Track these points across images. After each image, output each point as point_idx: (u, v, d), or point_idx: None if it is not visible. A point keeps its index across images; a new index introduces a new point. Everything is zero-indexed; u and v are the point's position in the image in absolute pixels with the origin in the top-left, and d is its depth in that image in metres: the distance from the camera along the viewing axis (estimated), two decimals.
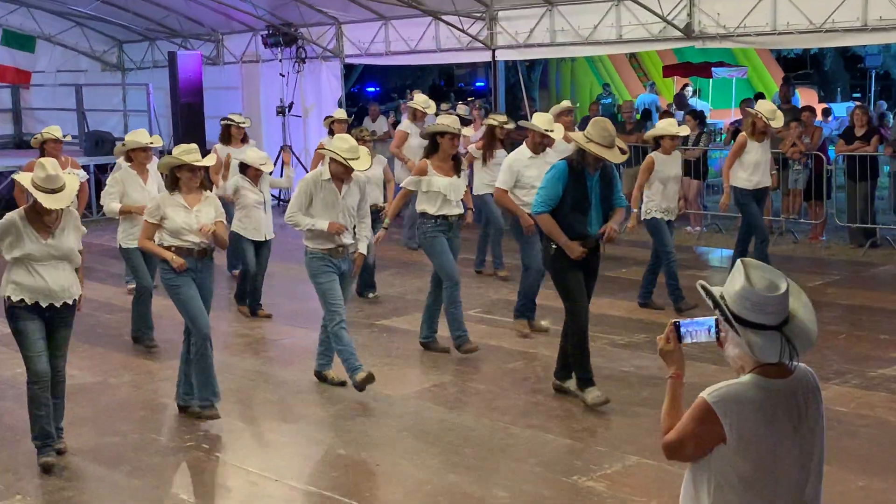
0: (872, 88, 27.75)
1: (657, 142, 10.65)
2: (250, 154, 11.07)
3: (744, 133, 11.35)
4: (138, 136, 10.15)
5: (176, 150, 7.70)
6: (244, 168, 10.80)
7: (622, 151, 7.85)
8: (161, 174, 8.30)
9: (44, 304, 6.77)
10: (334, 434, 7.63)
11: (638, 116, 18.96)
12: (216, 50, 21.07)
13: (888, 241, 14.09)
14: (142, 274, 9.73)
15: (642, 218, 10.63)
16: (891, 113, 20.41)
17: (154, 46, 22.18)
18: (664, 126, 10.93)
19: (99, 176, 18.29)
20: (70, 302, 6.90)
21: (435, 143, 9.25)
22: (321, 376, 8.56)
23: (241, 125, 12.88)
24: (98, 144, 19.43)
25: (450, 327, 9.29)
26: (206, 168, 8.22)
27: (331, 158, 8.10)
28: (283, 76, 19.34)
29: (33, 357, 6.79)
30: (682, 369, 3.43)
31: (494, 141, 11.89)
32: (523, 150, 9.77)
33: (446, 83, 26.76)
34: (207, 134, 18.46)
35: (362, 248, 8.40)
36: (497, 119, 12.11)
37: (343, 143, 8.13)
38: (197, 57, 19.43)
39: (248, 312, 11.04)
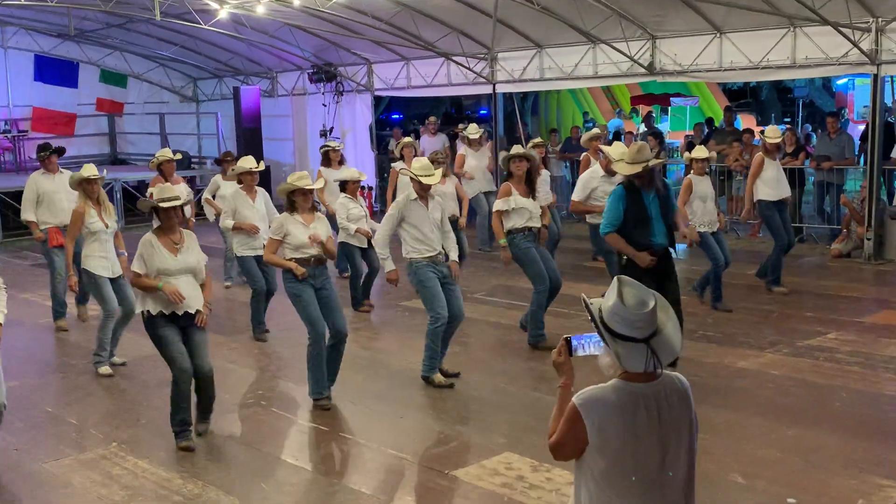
0: (800, 114, 27.72)
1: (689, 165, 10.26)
2: (345, 172, 10.66)
3: (760, 154, 10.92)
4: (246, 162, 9.89)
5: (291, 178, 7.42)
6: (343, 186, 10.29)
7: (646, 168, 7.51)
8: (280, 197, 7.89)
9: (179, 313, 6.56)
10: (367, 393, 7.66)
11: (611, 138, 18.86)
12: (271, 85, 21.11)
13: (812, 237, 14.06)
14: (256, 277, 9.49)
15: None
16: (814, 134, 20.32)
17: (222, 82, 22.24)
18: (694, 152, 10.42)
19: None
20: (200, 309, 6.62)
21: (509, 169, 8.74)
22: (428, 381, 7.76)
23: (336, 149, 12.36)
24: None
25: (531, 324, 8.88)
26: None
27: (411, 179, 7.79)
28: (325, 106, 19.40)
29: (176, 357, 6.50)
30: (571, 379, 3.22)
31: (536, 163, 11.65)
32: (597, 169, 9.60)
33: (456, 111, 26.68)
34: (265, 153, 18.51)
35: (453, 256, 7.93)
36: (535, 142, 12.07)
37: (417, 164, 7.90)
38: (256, 90, 19.48)
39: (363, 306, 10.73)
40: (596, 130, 12.77)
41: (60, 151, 10.63)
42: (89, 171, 8.43)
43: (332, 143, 12.67)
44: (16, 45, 20.91)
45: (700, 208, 9.95)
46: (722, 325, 9.33)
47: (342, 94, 19.39)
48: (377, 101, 20.13)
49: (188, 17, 16.63)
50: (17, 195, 16.62)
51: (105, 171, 9.34)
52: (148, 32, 19.52)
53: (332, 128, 19.27)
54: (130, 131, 22.69)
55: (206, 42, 19.49)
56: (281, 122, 20.31)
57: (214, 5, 15.65)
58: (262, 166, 10.21)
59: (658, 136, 17.17)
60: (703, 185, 10.08)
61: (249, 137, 18.57)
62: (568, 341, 3.17)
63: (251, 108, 18.89)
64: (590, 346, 3.16)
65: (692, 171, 10.12)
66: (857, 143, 15.43)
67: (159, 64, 22.46)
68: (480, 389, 7.63)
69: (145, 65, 22.51)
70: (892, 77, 12.84)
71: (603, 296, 3.05)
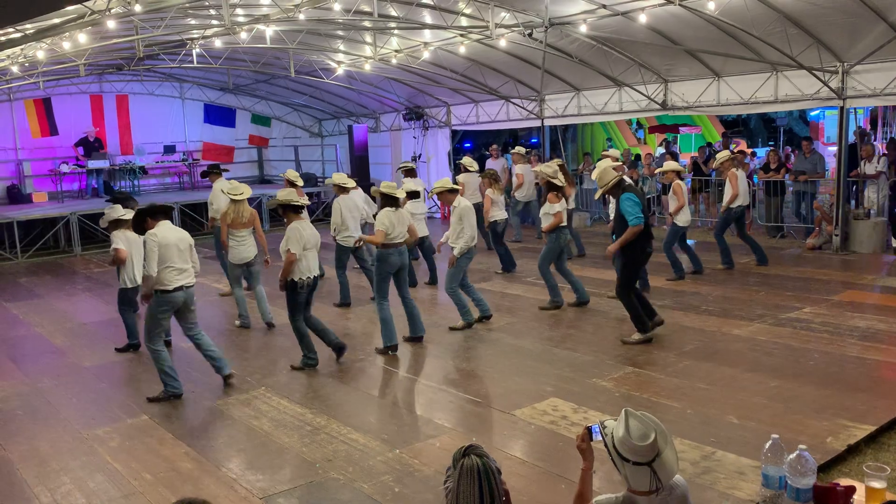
0: (781, 138, 26.86)
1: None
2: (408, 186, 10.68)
3: (734, 171, 10.78)
4: (344, 180, 10.06)
5: (384, 187, 7.67)
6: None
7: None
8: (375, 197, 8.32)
9: (312, 277, 7.08)
10: (449, 352, 7.69)
11: (633, 159, 18.52)
12: (375, 123, 21.30)
13: (792, 234, 13.64)
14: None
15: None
16: (793, 154, 19.63)
17: (339, 122, 22.49)
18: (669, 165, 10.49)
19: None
20: (319, 273, 7.22)
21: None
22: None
23: (411, 168, 12.23)
24: (307, 180, 19.84)
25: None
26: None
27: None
28: (415, 138, 19.49)
29: (297, 310, 7.13)
30: (591, 463, 2.97)
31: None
32: None
33: (513, 140, 26.53)
34: (371, 174, 18.69)
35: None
36: (557, 161, 11.91)
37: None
38: (364, 128, 19.64)
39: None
40: (615, 153, 12.39)
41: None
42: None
43: (409, 163, 12.61)
44: (190, 96, 21.51)
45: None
46: (720, 301, 9.11)
47: (427, 129, 19.45)
48: (454, 133, 20.12)
49: (315, 73, 16.92)
50: (193, 206, 17.18)
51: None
52: (285, 86, 19.90)
53: (420, 154, 19.35)
54: (274, 159, 23.15)
55: (328, 92, 19.76)
56: (383, 151, 20.49)
57: (334, 65, 15.87)
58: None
59: (674, 155, 16.81)
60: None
61: (360, 163, 18.74)
62: (589, 429, 2.95)
63: (361, 141, 19.07)
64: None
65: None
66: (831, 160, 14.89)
67: (294, 109, 22.85)
68: (532, 350, 7.59)
69: (284, 110, 22.92)
70: (855, 109, 12.35)
71: (616, 419, 2.85)
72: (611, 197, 7.54)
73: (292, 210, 7.13)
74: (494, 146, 18.35)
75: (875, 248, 11.82)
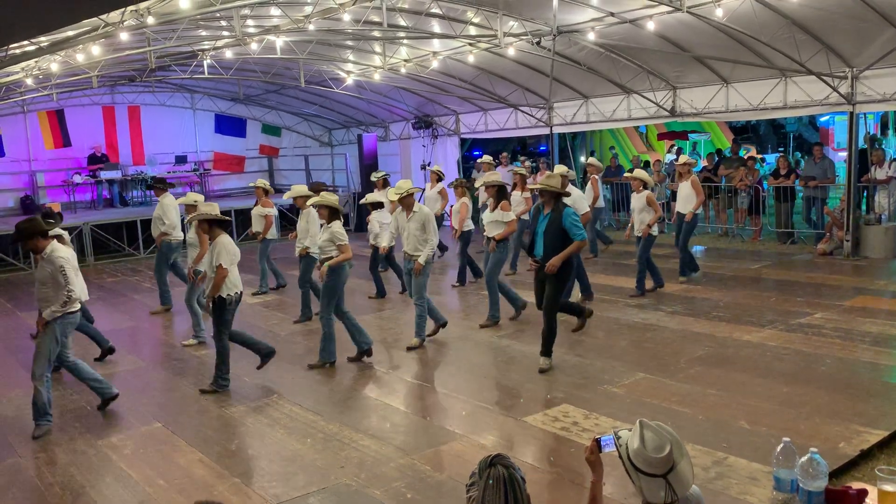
0: (791, 144, 26.79)
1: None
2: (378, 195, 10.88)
3: (695, 176, 10.64)
4: (306, 191, 10.13)
5: (326, 199, 7.40)
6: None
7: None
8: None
9: (239, 292, 6.91)
10: (459, 358, 7.69)
11: (641, 165, 18.50)
12: (385, 132, 21.39)
13: (802, 240, 13.58)
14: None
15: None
16: (802, 160, 19.58)
17: (349, 131, 22.60)
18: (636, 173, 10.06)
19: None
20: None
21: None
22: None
23: (383, 177, 12.38)
24: (317, 190, 19.85)
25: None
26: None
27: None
28: (424, 146, 19.54)
29: (226, 326, 6.93)
30: (601, 475, 2.93)
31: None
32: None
33: (521, 148, 26.52)
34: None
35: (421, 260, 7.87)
36: (517, 169, 11.93)
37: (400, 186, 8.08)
38: (374, 136, 19.74)
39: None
40: (571, 171, 11.92)
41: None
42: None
43: (379, 173, 12.56)
44: (201, 107, 21.68)
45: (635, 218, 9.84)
46: (730, 307, 9.09)
47: (437, 137, 19.52)
48: (463, 141, 20.18)
49: (324, 83, 17.03)
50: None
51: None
52: (295, 96, 20.03)
53: (429, 162, 19.37)
54: (284, 168, 23.26)
55: (338, 101, 19.88)
56: (392, 160, 20.56)
57: (343, 74, 15.97)
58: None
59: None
60: (634, 200, 9.85)
61: (369, 172, 18.78)
62: (598, 441, 2.91)
63: (370, 150, 19.15)
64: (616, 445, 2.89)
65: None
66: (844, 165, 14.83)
67: (304, 118, 22.98)
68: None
69: (294, 119, 23.04)
70: (865, 114, 12.31)
71: (630, 430, 2.81)
72: (545, 205, 6.94)
73: (218, 224, 6.82)
74: (504, 154, 18.38)
75: (886, 253, 11.77)
